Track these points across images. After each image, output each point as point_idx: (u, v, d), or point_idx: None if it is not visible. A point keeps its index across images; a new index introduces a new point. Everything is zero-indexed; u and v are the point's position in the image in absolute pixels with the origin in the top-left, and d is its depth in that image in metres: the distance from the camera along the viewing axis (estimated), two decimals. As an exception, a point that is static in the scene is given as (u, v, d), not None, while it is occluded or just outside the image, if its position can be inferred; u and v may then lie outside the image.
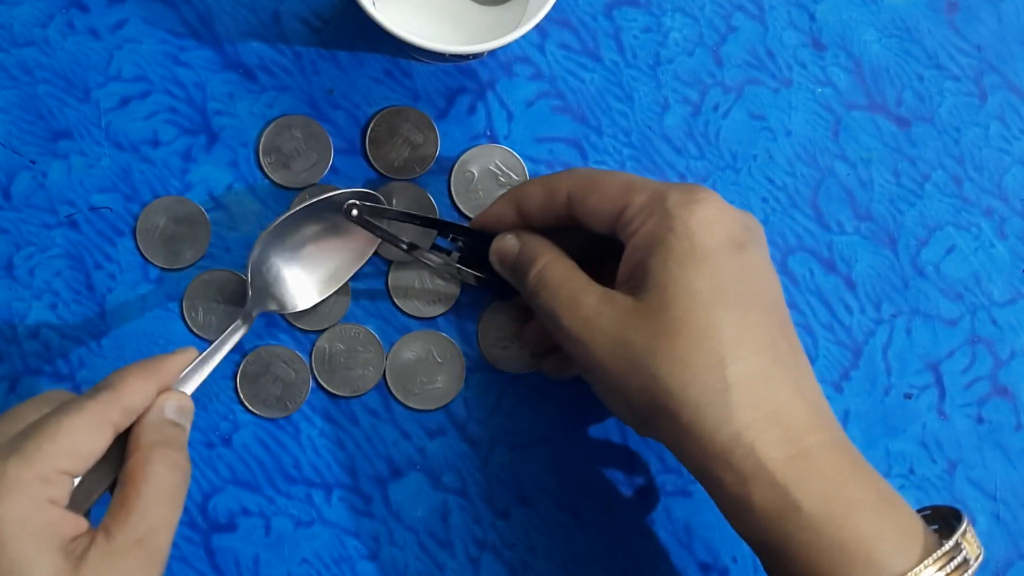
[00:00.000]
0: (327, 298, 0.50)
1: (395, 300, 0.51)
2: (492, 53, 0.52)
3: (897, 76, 0.54)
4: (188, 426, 0.43)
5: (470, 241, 0.49)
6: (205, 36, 0.52)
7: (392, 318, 0.51)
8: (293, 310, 0.49)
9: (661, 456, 0.52)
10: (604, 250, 0.47)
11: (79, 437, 0.39)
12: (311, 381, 0.51)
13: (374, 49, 0.52)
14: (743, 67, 0.53)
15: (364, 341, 0.51)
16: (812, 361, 0.52)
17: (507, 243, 0.47)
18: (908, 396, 0.53)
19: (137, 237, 0.51)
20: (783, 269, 0.53)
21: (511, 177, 0.52)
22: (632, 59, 0.53)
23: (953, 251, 0.53)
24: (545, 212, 0.47)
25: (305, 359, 0.51)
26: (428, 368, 0.51)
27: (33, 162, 0.51)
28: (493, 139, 0.52)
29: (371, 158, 0.52)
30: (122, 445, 0.42)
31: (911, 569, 0.39)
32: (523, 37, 0.46)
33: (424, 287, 0.51)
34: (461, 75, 0.52)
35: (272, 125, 0.52)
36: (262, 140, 0.51)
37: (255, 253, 0.48)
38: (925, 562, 0.39)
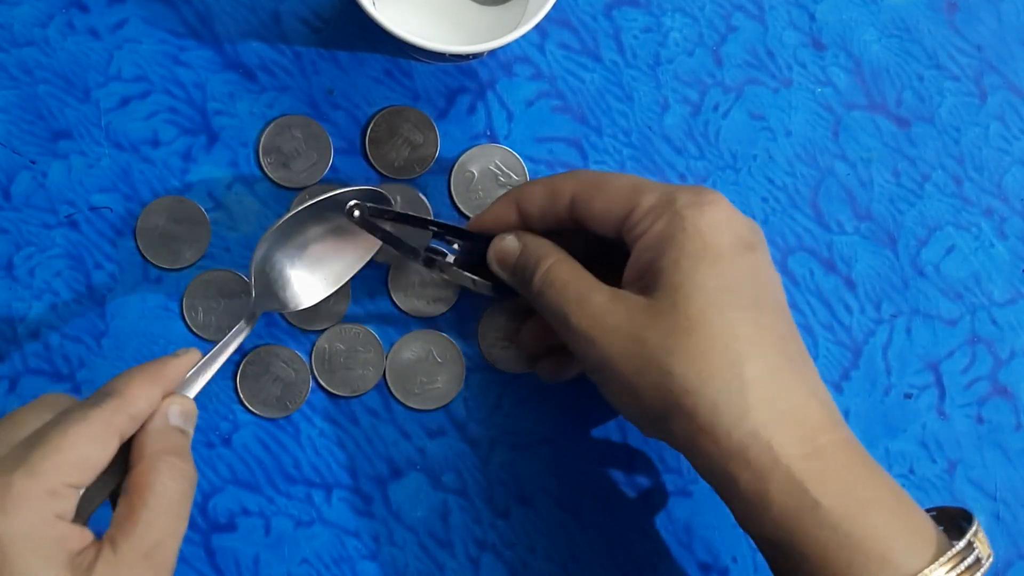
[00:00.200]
0: (327, 298, 0.50)
1: (395, 300, 0.51)
2: (492, 53, 0.52)
3: (897, 76, 0.54)
4: (192, 431, 0.43)
5: (467, 243, 0.49)
6: (205, 36, 0.52)
7: (392, 318, 0.52)
8: (296, 309, 0.49)
9: (661, 456, 0.52)
10: (600, 253, 0.47)
11: (86, 448, 0.39)
12: (311, 381, 0.51)
13: (374, 49, 0.52)
14: (743, 67, 0.53)
15: (364, 341, 0.51)
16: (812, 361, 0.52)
17: (508, 244, 0.47)
18: (908, 396, 0.53)
19: (137, 237, 0.51)
20: (783, 269, 0.53)
21: (511, 177, 0.52)
22: (632, 59, 0.53)
23: (953, 251, 0.53)
24: (546, 213, 0.46)
25: (305, 359, 0.51)
26: (428, 368, 0.51)
27: (33, 162, 0.51)
28: (493, 139, 0.52)
29: (371, 158, 0.52)
30: (124, 451, 0.41)
31: (925, 567, 0.39)
32: (523, 37, 0.46)
33: (424, 287, 0.51)
34: (461, 75, 0.52)
35: (272, 125, 0.52)
36: (262, 140, 0.51)
37: (259, 252, 0.47)
38: (940, 560, 0.39)
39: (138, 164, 0.51)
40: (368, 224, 0.48)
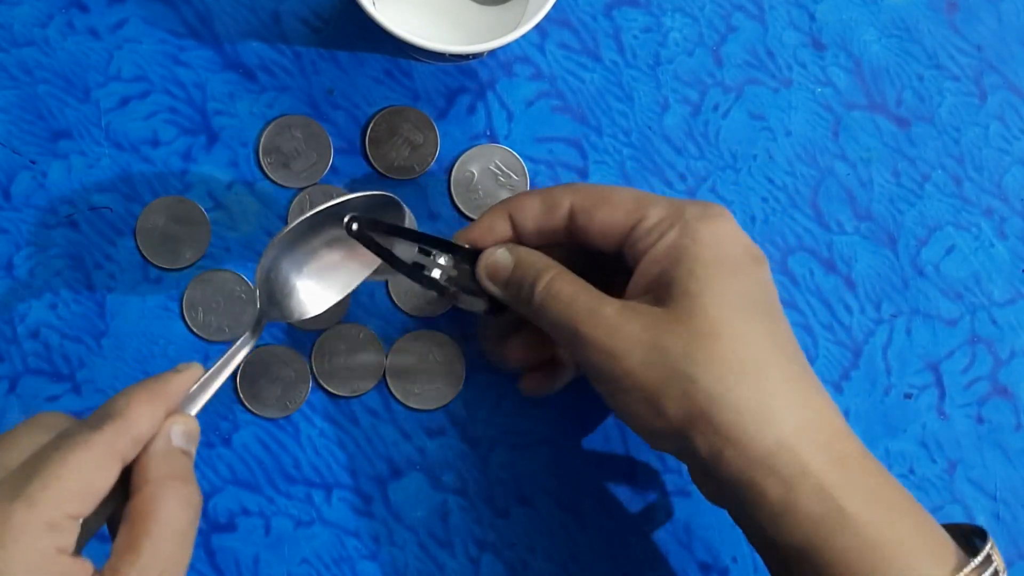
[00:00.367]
0: (327, 298, 0.50)
1: (395, 300, 0.51)
2: (492, 53, 0.52)
3: (897, 76, 0.54)
4: (195, 451, 0.41)
5: (455, 257, 0.46)
6: (205, 36, 0.52)
7: (392, 318, 0.51)
8: (302, 319, 0.47)
9: (661, 456, 0.52)
10: (585, 268, 0.45)
11: (87, 475, 0.36)
12: (311, 381, 0.51)
13: (374, 49, 0.52)
14: (743, 67, 0.53)
15: (364, 341, 0.51)
16: (812, 361, 0.52)
17: (500, 257, 0.46)
18: (908, 396, 0.53)
19: (137, 237, 0.51)
20: (783, 269, 0.53)
21: (511, 177, 0.52)
22: (632, 59, 0.53)
23: (953, 251, 0.53)
24: (543, 226, 0.46)
25: (305, 359, 0.51)
26: (428, 368, 0.51)
27: (33, 162, 0.51)
28: (493, 139, 0.52)
29: (371, 158, 0.52)
30: (123, 474, 0.38)
31: None
32: (523, 37, 0.45)
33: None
34: (461, 75, 0.52)
35: (272, 125, 0.52)
36: (262, 140, 0.51)
37: (265, 261, 0.45)
38: (964, 571, 0.39)
39: (138, 164, 0.51)
40: (364, 237, 0.45)
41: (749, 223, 0.53)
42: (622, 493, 0.52)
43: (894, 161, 0.53)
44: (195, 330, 0.51)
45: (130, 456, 0.38)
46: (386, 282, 0.51)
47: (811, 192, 0.53)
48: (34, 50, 0.51)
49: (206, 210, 0.51)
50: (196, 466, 0.49)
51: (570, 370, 0.49)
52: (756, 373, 0.40)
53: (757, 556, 0.50)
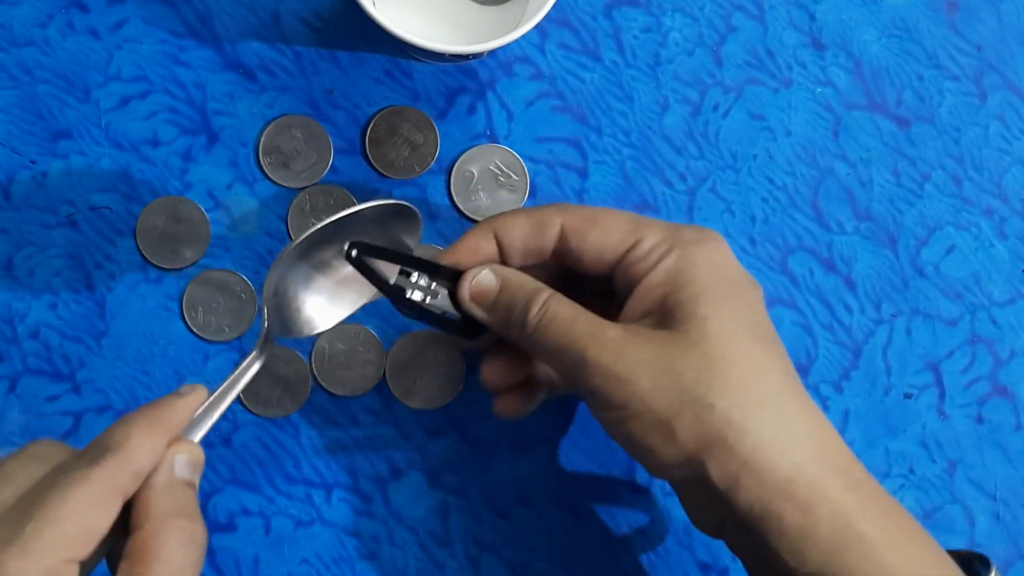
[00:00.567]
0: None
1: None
2: (492, 53, 0.52)
3: (897, 76, 0.54)
4: (199, 481, 0.39)
5: (437, 279, 0.44)
6: (205, 36, 0.52)
7: (392, 318, 0.51)
8: (309, 335, 0.46)
9: (661, 456, 0.52)
10: (568, 291, 0.44)
11: (86, 516, 0.35)
12: (311, 381, 0.51)
13: (374, 49, 0.52)
14: (743, 67, 0.53)
15: (364, 341, 0.51)
16: (812, 361, 0.53)
17: (485, 279, 0.44)
18: (908, 396, 0.53)
19: (137, 237, 0.51)
20: (783, 269, 0.53)
21: (511, 177, 0.52)
22: (632, 59, 0.53)
23: (953, 251, 0.53)
24: (530, 246, 0.44)
25: (305, 359, 0.51)
26: (428, 368, 0.51)
27: (33, 162, 0.51)
28: (493, 139, 0.52)
29: (371, 158, 0.52)
30: (124, 507, 0.37)
31: None
32: (523, 37, 0.45)
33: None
34: (461, 75, 0.52)
35: (272, 125, 0.52)
36: (262, 140, 0.51)
37: (273, 277, 0.43)
38: None
39: (138, 164, 0.51)
40: (361, 265, 0.43)
41: (749, 223, 0.53)
42: (622, 493, 0.52)
43: (894, 161, 0.53)
44: (195, 330, 0.51)
45: (131, 491, 0.37)
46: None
47: (811, 192, 0.53)
48: (34, 50, 0.51)
49: (206, 210, 0.51)
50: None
51: (544, 391, 0.48)
52: (775, 399, 0.40)
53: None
